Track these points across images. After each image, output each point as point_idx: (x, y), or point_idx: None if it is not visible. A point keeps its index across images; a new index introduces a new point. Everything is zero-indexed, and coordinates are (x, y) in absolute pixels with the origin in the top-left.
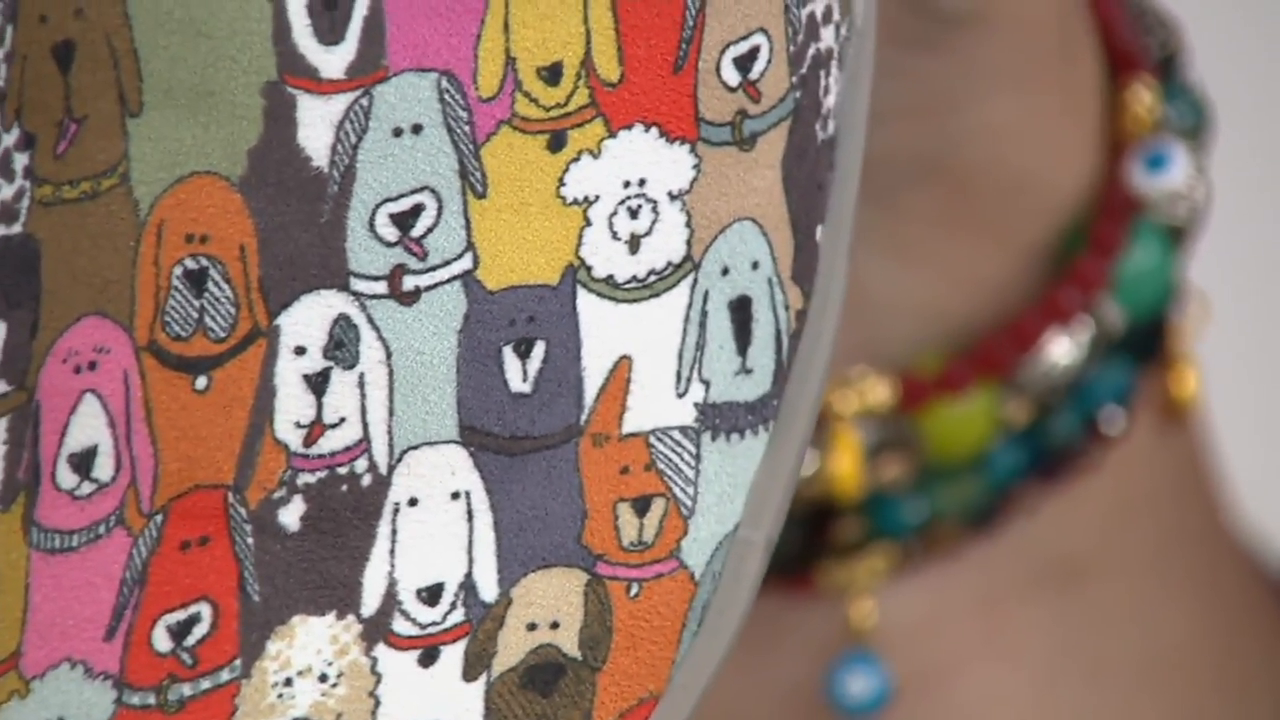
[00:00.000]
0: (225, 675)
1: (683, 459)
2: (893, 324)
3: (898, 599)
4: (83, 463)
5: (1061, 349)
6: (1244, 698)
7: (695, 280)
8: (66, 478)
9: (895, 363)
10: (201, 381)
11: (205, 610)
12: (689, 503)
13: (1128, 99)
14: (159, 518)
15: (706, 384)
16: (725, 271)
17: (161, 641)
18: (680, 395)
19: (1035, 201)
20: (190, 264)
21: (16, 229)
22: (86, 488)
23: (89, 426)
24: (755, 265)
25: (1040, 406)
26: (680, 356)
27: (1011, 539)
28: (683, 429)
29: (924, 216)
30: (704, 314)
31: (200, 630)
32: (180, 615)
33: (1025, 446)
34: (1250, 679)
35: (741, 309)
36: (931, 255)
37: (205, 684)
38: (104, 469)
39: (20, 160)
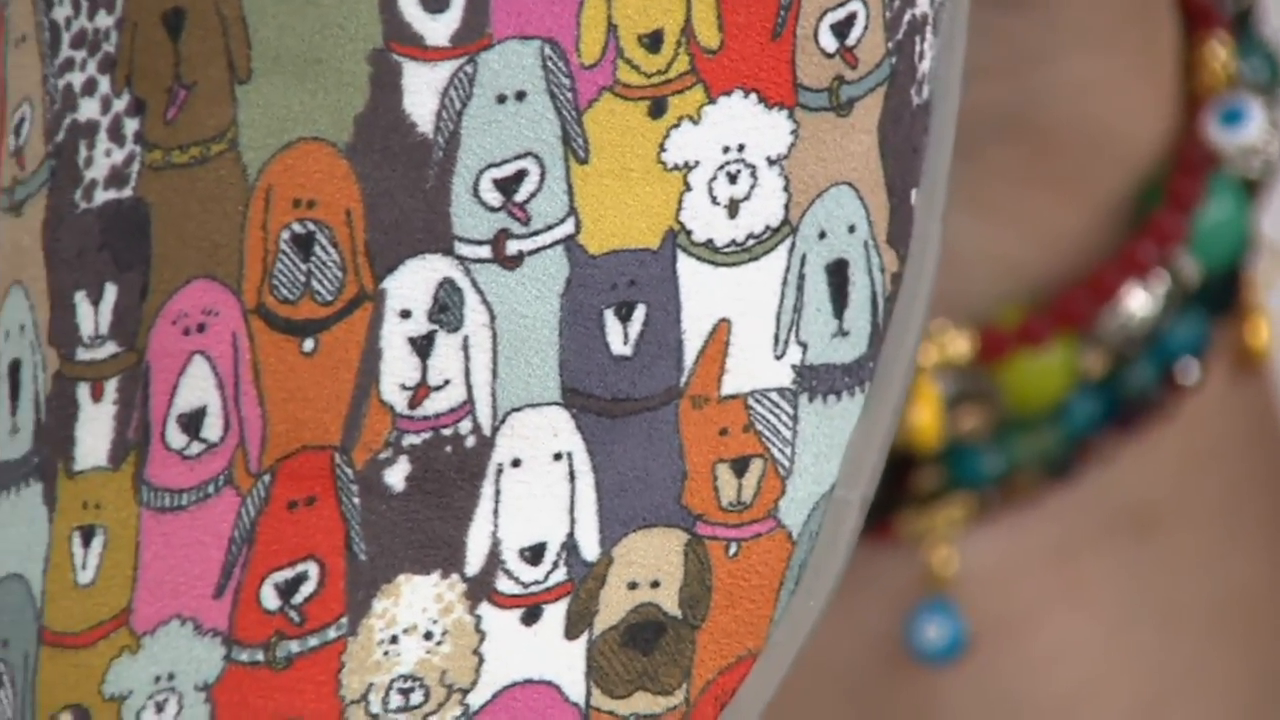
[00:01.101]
0: (332, 633)
1: (780, 420)
2: (972, 277)
3: (976, 548)
4: (192, 423)
5: (1138, 301)
6: None
7: (793, 244)
8: (176, 437)
9: (975, 316)
10: (309, 344)
11: (312, 569)
12: (786, 463)
13: (1204, 55)
14: (267, 478)
15: (804, 346)
16: (822, 235)
17: (270, 599)
18: (778, 357)
19: (1114, 157)
20: (297, 228)
21: (127, 193)
22: (196, 448)
23: (198, 387)
24: (852, 229)
25: (1117, 358)
26: (778, 319)
27: (1087, 488)
28: (780, 390)
29: (1005, 172)
30: (801, 277)
31: (307, 588)
32: (288, 574)
33: (1102, 397)
34: None
35: (838, 272)
36: (1012, 210)
37: (313, 641)
38: (213, 429)
39: (131, 126)
